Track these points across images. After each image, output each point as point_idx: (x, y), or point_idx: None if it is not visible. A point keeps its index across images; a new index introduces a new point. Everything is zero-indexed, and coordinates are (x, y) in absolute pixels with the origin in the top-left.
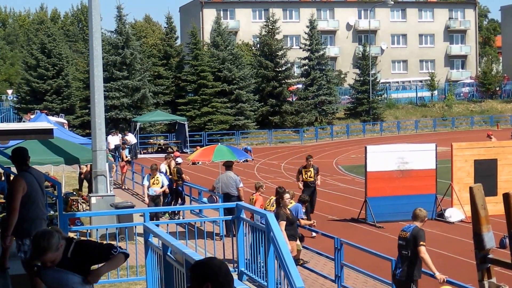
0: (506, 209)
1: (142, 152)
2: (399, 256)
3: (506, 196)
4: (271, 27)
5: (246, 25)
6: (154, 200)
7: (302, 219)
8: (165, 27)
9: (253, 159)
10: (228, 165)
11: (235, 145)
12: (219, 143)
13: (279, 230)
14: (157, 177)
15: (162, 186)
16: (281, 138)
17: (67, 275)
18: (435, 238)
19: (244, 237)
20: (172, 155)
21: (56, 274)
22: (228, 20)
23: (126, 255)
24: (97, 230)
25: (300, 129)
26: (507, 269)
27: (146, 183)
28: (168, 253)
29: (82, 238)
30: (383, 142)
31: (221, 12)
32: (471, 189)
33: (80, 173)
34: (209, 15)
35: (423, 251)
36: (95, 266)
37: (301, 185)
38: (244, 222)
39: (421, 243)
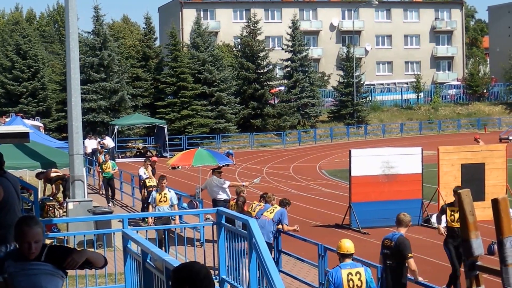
0: (495, 215)
1: (120, 156)
2: (384, 267)
3: (494, 201)
4: (252, 27)
5: (227, 26)
6: (162, 220)
7: (287, 225)
8: (143, 28)
9: (235, 164)
10: (213, 170)
11: (216, 149)
12: (199, 147)
13: (261, 236)
14: (165, 194)
15: (172, 205)
16: (263, 142)
17: (39, 277)
18: (421, 244)
19: (226, 243)
20: (150, 159)
21: (29, 278)
22: (208, 20)
23: (106, 260)
24: (74, 236)
25: (282, 133)
26: (496, 276)
27: (152, 200)
28: (148, 260)
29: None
30: (367, 146)
31: (201, 13)
32: (459, 194)
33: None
34: (189, 16)
35: (413, 264)
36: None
37: (443, 230)
38: (225, 228)
39: (409, 255)
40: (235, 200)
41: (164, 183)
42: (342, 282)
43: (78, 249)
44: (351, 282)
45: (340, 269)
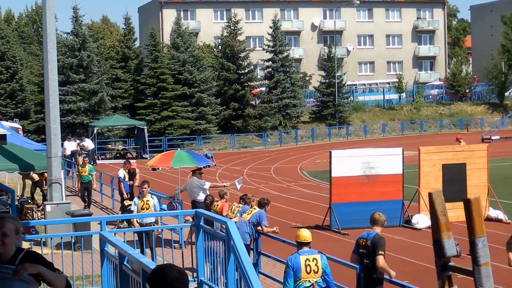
0: (467, 215)
1: (100, 158)
2: (361, 266)
3: (466, 202)
4: (233, 28)
5: (207, 26)
6: (145, 230)
7: (266, 226)
8: (123, 28)
9: (215, 165)
10: (193, 171)
11: (197, 151)
12: (179, 149)
13: (239, 238)
14: (147, 200)
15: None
16: (244, 143)
17: (10, 281)
18: (402, 245)
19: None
20: (130, 162)
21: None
22: (188, 20)
23: (69, 284)
24: (51, 239)
25: (263, 134)
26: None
27: (134, 208)
28: (125, 263)
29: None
30: (349, 147)
31: (181, 13)
32: (430, 195)
33: (33, 182)
34: (169, 16)
35: (381, 261)
36: None
37: None
38: (204, 230)
39: (380, 252)
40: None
41: (146, 188)
42: (300, 266)
43: (55, 267)
44: (308, 267)
45: (298, 255)
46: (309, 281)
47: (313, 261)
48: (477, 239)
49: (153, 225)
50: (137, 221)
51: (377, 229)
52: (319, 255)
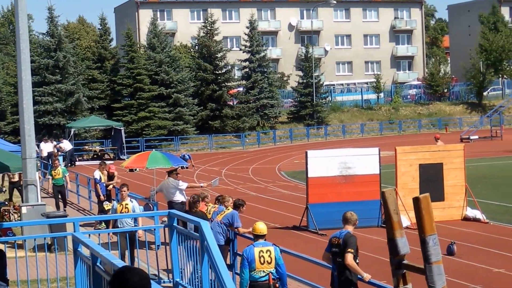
0: (417, 214)
1: (77, 159)
2: (334, 264)
3: (416, 200)
4: (209, 28)
5: (184, 26)
6: (125, 235)
7: (239, 227)
8: (99, 29)
9: (193, 166)
10: (169, 171)
11: (174, 151)
12: (154, 150)
13: (213, 239)
14: (126, 204)
15: (137, 219)
16: (222, 144)
17: None
18: (381, 245)
19: (179, 246)
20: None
21: None
22: (165, 21)
23: None
24: (24, 241)
25: (241, 134)
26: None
27: (113, 212)
28: (98, 264)
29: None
30: (328, 147)
31: (158, 13)
32: (382, 193)
33: (11, 182)
34: (145, 16)
35: (349, 258)
36: None
37: None
38: (178, 231)
39: (349, 250)
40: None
41: (125, 191)
42: (254, 257)
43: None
44: (262, 258)
45: (253, 247)
46: (263, 271)
47: (266, 252)
48: (428, 237)
49: (136, 231)
50: (117, 224)
51: (349, 228)
52: (273, 247)
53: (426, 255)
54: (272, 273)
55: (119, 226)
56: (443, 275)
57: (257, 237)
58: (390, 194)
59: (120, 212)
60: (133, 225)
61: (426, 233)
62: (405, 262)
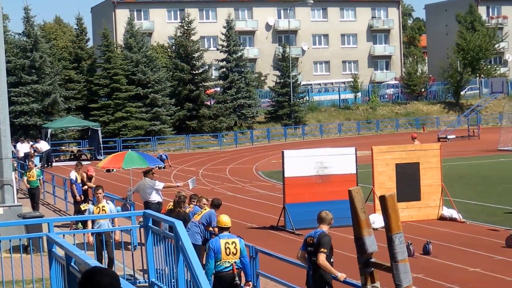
0: (384, 212)
1: (54, 160)
2: (309, 263)
3: (382, 198)
4: (186, 28)
5: (161, 26)
6: (101, 238)
7: (216, 226)
8: (75, 29)
9: (170, 166)
10: (145, 172)
11: (151, 152)
12: (130, 150)
13: (187, 239)
14: (103, 206)
15: (113, 221)
16: (199, 144)
17: None
18: None
19: (154, 246)
20: (82, 164)
21: None
22: (142, 21)
23: None
24: (0, 241)
25: (219, 134)
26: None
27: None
28: (72, 264)
29: None
30: (305, 147)
31: (135, 13)
32: (349, 192)
33: None
34: (122, 16)
35: (321, 258)
36: None
37: None
38: (153, 231)
39: (322, 249)
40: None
41: (100, 193)
42: (220, 249)
43: None
44: (227, 250)
45: (219, 239)
46: (228, 262)
47: (232, 244)
48: (394, 236)
49: (112, 233)
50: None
51: (324, 227)
52: (238, 239)
53: (392, 253)
54: (236, 263)
55: (96, 229)
56: (409, 273)
57: (222, 229)
58: (357, 192)
59: (97, 213)
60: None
61: (393, 231)
62: (372, 260)
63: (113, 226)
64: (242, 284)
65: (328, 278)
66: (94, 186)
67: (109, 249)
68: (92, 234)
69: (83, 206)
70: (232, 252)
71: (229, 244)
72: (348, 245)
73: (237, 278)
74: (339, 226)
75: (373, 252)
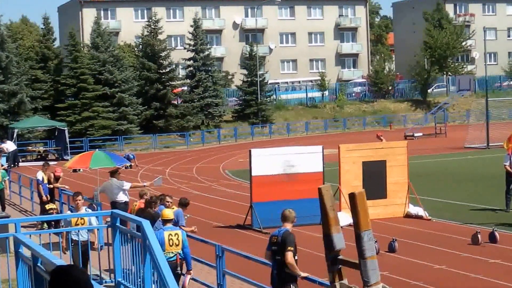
0: (352, 209)
1: (21, 160)
2: (274, 262)
3: (351, 196)
4: (153, 27)
5: (128, 25)
6: (80, 248)
7: (183, 226)
8: (42, 29)
9: (137, 165)
10: (112, 172)
11: (118, 151)
12: (97, 149)
13: (154, 238)
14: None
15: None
16: (166, 143)
17: None
18: (322, 242)
19: (121, 246)
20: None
21: None
22: (109, 20)
23: None
24: None
25: (186, 133)
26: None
27: (66, 224)
28: (39, 264)
29: None
30: (272, 145)
31: (102, 12)
32: (319, 190)
33: None
34: (89, 15)
35: (289, 257)
36: None
37: None
38: (121, 231)
39: (289, 248)
40: (146, 201)
41: (80, 200)
42: (164, 240)
43: None
44: (171, 241)
45: (163, 231)
46: (172, 252)
47: (175, 235)
48: (363, 233)
49: (89, 244)
50: (71, 239)
51: (288, 226)
52: (180, 231)
53: (360, 250)
54: (179, 253)
55: (74, 238)
56: (377, 270)
57: (165, 221)
58: (326, 190)
59: (76, 224)
60: (89, 238)
61: (361, 228)
62: (340, 257)
63: (91, 234)
64: (183, 273)
65: (293, 276)
66: (61, 186)
67: (87, 258)
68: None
69: (48, 206)
70: (175, 243)
71: (172, 235)
72: (315, 243)
73: (179, 268)
74: (306, 225)
75: (341, 249)
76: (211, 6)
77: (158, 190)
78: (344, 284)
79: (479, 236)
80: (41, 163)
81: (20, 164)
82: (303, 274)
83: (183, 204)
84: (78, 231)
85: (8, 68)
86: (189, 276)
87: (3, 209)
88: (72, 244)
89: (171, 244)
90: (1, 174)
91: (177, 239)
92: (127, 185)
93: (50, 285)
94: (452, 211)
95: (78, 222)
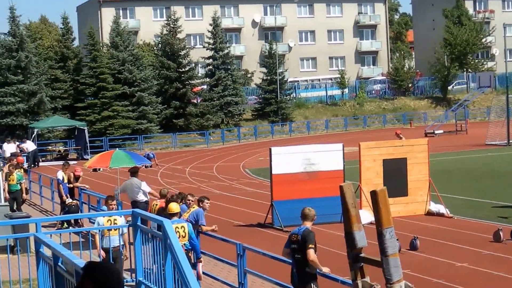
0: (374, 207)
1: (41, 160)
2: (293, 261)
3: (373, 193)
4: (172, 25)
5: (147, 24)
6: (111, 253)
7: (204, 225)
8: (61, 28)
9: (157, 164)
10: (133, 171)
11: (138, 151)
12: (117, 149)
13: (175, 237)
14: (115, 219)
15: (122, 234)
16: (186, 142)
17: None
18: (343, 240)
19: (142, 245)
20: (69, 164)
21: None
22: (128, 19)
23: None
24: None
25: (205, 132)
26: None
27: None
28: (59, 264)
29: None
30: (292, 143)
31: (120, 11)
32: (341, 188)
33: None
34: (107, 15)
35: (312, 254)
36: None
37: None
38: (141, 230)
39: (310, 246)
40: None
41: (114, 204)
42: None
43: None
44: (177, 233)
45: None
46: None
47: (181, 228)
48: (385, 230)
49: (121, 248)
50: (102, 247)
51: (308, 224)
52: (186, 224)
53: (382, 247)
54: (185, 244)
55: (105, 246)
56: (399, 267)
57: (171, 215)
58: (348, 188)
59: (107, 230)
60: (121, 243)
61: (383, 226)
62: (362, 255)
63: (123, 242)
64: (194, 262)
65: (313, 275)
66: (81, 186)
67: (118, 266)
68: (103, 248)
69: (68, 201)
70: (182, 235)
71: (178, 228)
72: (336, 242)
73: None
74: (326, 223)
75: (363, 247)
76: (230, 4)
77: (180, 189)
78: (366, 282)
79: (501, 233)
80: (61, 162)
81: (40, 164)
82: (326, 269)
83: (202, 201)
84: (109, 236)
85: (28, 68)
86: (200, 264)
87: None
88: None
89: (178, 236)
90: (17, 176)
91: (184, 231)
92: (147, 188)
93: (83, 278)
94: (473, 208)
95: (111, 224)
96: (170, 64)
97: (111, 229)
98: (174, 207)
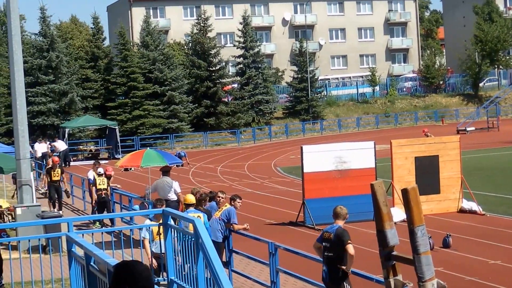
0: (406, 205)
1: (72, 159)
2: (325, 259)
3: (404, 191)
4: (203, 24)
5: (177, 24)
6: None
7: (236, 223)
8: (91, 28)
9: (189, 163)
10: (164, 170)
11: (169, 150)
12: (148, 148)
13: (207, 236)
14: (198, 215)
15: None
16: (217, 141)
17: None
18: (375, 239)
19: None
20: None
21: None
22: (158, 18)
23: None
24: (18, 242)
25: (236, 131)
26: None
27: (146, 234)
28: (92, 263)
29: None
30: (323, 142)
31: (151, 11)
32: (372, 185)
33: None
34: (138, 14)
35: (351, 248)
36: None
37: None
38: (172, 229)
39: (348, 241)
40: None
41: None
42: None
43: None
44: None
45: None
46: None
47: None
48: (416, 228)
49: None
50: (152, 248)
51: (340, 223)
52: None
53: (414, 245)
54: None
55: (154, 250)
56: (431, 265)
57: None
58: (379, 186)
59: (157, 234)
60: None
61: (415, 224)
62: (394, 253)
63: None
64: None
65: (345, 273)
66: (113, 185)
67: (159, 271)
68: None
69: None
70: None
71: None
72: (368, 240)
73: None
74: (358, 221)
75: (395, 245)
76: (260, 3)
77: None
78: (399, 280)
79: None
80: (92, 162)
81: (71, 163)
82: (350, 271)
83: (231, 200)
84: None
85: (59, 68)
86: None
87: (60, 207)
88: (152, 256)
89: None
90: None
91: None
92: (178, 188)
93: (114, 278)
94: (506, 206)
95: (161, 231)
96: (200, 63)
97: (161, 233)
98: (190, 198)
